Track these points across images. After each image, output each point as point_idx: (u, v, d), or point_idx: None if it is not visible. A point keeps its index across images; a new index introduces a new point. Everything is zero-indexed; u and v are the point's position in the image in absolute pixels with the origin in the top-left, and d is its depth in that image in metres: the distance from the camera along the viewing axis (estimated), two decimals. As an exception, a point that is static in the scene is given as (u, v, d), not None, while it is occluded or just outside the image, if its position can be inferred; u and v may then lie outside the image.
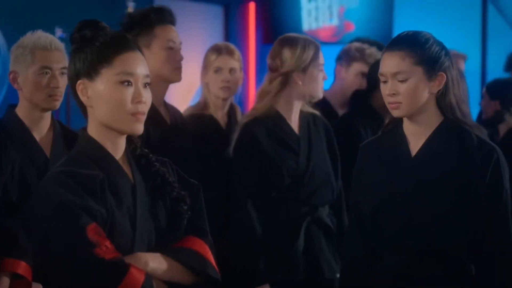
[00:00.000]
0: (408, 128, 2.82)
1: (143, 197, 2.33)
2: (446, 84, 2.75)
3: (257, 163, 3.66)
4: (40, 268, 2.60)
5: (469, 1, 8.50)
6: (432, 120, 2.78)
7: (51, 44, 3.17)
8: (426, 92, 2.73)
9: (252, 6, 8.71)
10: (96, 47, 2.28)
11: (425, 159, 2.78)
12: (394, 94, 2.72)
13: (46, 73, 3.15)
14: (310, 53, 3.69)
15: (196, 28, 7.91)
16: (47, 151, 3.17)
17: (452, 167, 2.75)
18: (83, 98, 2.30)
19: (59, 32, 5.79)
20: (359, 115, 4.43)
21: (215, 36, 8.22)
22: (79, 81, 2.29)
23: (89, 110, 2.32)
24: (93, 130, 2.32)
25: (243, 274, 3.56)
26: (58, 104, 3.17)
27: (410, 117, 2.79)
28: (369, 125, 4.33)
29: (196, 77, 4.25)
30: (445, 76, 2.74)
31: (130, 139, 2.38)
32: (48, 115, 3.22)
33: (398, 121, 2.86)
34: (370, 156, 2.92)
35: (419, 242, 2.74)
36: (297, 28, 8.34)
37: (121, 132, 2.31)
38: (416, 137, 2.81)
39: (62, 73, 3.16)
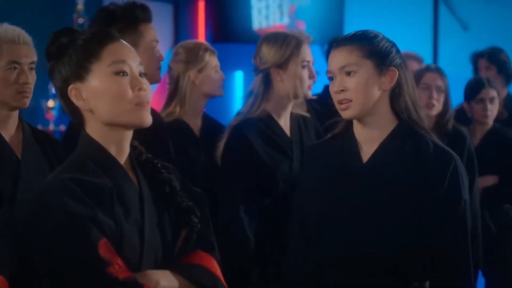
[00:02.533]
0: (359, 132, 2.61)
1: (150, 208, 2.13)
2: (399, 83, 2.56)
3: (250, 167, 3.45)
4: (19, 283, 2.41)
5: (421, 1, 8.50)
6: (386, 123, 2.58)
7: (19, 37, 2.94)
8: (377, 88, 2.53)
9: (201, 4, 8.57)
10: (80, 45, 2.10)
11: (377, 166, 2.57)
12: (342, 90, 2.52)
13: (15, 68, 2.92)
14: (289, 48, 3.49)
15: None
16: (17, 152, 2.96)
17: (406, 175, 2.54)
18: (79, 103, 2.09)
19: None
20: None
21: (165, 34, 8.05)
22: (70, 87, 2.09)
23: (87, 115, 2.11)
24: (95, 133, 2.11)
25: (235, 282, 3.41)
26: (27, 101, 2.94)
27: (362, 119, 2.58)
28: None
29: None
30: (397, 72, 2.55)
31: (133, 145, 2.19)
32: (16, 114, 3.00)
33: (349, 126, 2.65)
34: (316, 161, 2.71)
35: (368, 255, 2.54)
36: (248, 27, 8.24)
37: (128, 126, 2.11)
38: (368, 142, 2.60)
39: (31, 69, 2.94)
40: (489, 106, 4.72)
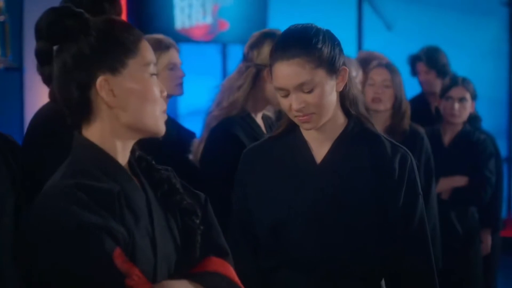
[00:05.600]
0: (308, 132, 2.50)
1: (157, 213, 1.94)
2: (349, 78, 2.47)
3: None
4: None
5: (345, 0, 8.49)
6: (337, 122, 2.49)
7: None
8: (334, 92, 2.44)
9: (123, 3, 8.39)
10: (112, 35, 1.88)
11: (332, 166, 2.47)
12: (304, 107, 2.39)
13: None
14: None
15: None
16: None
17: (364, 174, 2.46)
18: (108, 99, 1.86)
19: None
20: None
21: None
22: (100, 78, 1.85)
23: (104, 113, 1.89)
24: (97, 134, 1.90)
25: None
26: None
27: None
28: None
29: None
30: (347, 70, 2.45)
31: None
32: None
33: (294, 126, 2.53)
34: (259, 164, 2.57)
35: (327, 261, 2.44)
36: (170, 26, 8.07)
37: (148, 133, 1.92)
38: (318, 142, 2.50)
39: None
40: (456, 105, 4.70)
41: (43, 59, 1.91)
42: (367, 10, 8.56)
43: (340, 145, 2.49)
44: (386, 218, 2.45)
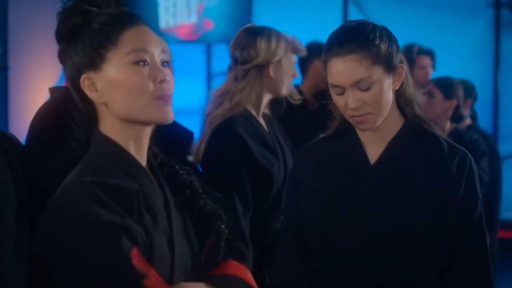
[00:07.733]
0: (363, 132, 2.42)
1: (175, 214, 1.91)
2: (405, 76, 2.40)
3: (247, 171, 3.12)
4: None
5: (330, 0, 8.48)
6: (393, 122, 2.41)
7: None
8: (391, 91, 2.35)
9: (106, 2, 8.33)
10: (95, 30, 1.85)
11: (387, 167, 2.38)
12: (360, 105, 2.31)
13: None
14: (283, 45, 3.31)
15: (49, 24, 7.47)
16: None
17: (421, 176, 2.37)
18: (92, 95, 1.86)
19: None
20: None
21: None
22: (83, 76, 1.86)
23: (101, 109, 1.89)
24: (110, 131, 1.89)
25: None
26: None
27: None
28: None
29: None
30: (404, 68, 2.37)
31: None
32: None
33: (348, 125, 2.45)
34: (313, 164, 2.49)
35: (379, 267, 2.35)
36: (154, 25, 8.03)
37: (148, 123, 1.89)
38: (373, 142, 2.42)
39: None
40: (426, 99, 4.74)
41: (59, 59, 1.92)
42: (352, 10, 8.55)
43: (396, 145, 2.41)
44: (442, 221, 2.35)
